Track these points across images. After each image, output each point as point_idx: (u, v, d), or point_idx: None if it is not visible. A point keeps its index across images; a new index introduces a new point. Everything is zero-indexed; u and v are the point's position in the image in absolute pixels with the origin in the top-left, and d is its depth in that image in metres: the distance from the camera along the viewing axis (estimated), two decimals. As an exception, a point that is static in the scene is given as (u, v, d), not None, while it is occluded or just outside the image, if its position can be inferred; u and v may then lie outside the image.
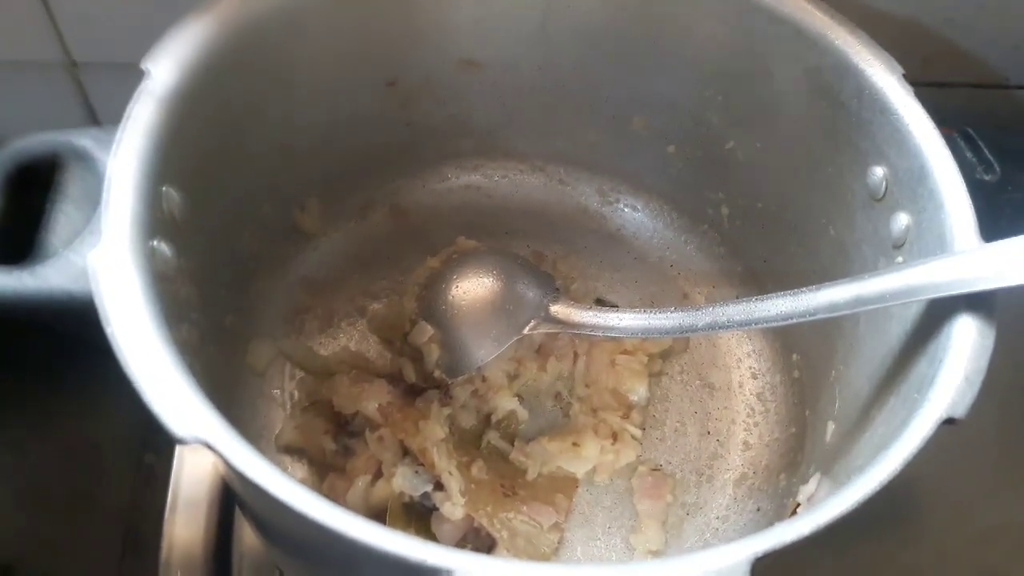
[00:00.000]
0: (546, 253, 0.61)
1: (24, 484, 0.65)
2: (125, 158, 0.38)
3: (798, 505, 0.45)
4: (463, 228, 0.61)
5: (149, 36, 0.59)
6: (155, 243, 0.39)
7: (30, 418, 0.66)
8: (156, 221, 0.39)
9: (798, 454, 0.52)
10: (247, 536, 0.56)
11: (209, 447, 0.31)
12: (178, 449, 0.60)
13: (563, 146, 0.62)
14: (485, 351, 0.52)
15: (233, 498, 0.57)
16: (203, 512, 0.57)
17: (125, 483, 0.65)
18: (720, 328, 0.45)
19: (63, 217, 0.40)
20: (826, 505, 0.32)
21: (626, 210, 0.63)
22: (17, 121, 0.67)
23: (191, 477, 0.58)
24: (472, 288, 0.53)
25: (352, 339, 0.57)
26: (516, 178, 0.64)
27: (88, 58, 0.63)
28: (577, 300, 0.54)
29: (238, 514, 0.57)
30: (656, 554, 0.50)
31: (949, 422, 0.34)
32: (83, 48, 0.62)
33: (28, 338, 0.61)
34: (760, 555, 0.30)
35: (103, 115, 0.68)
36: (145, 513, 0.63)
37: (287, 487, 0.30)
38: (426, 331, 0.53)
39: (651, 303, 0.60)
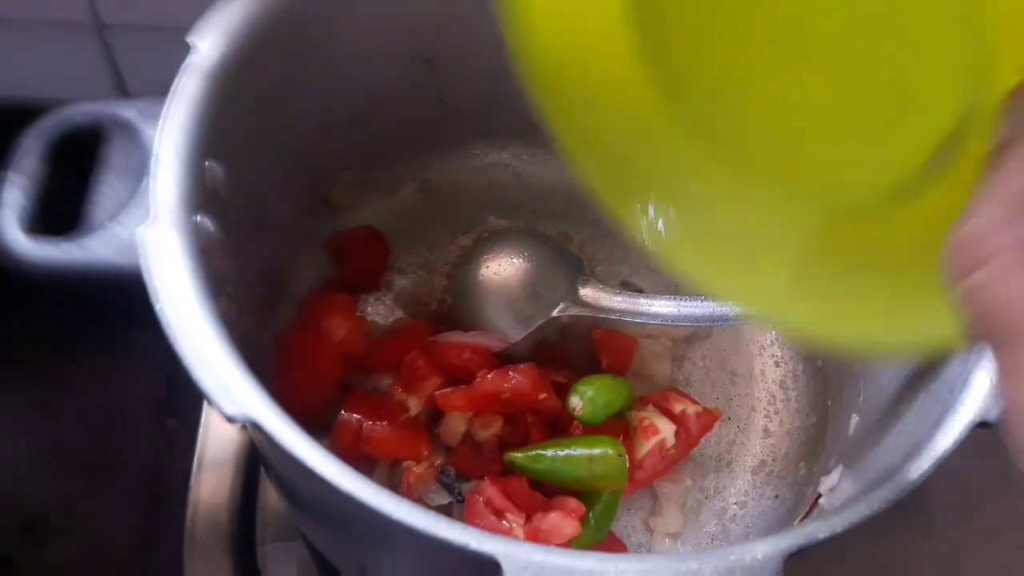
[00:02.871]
0: (573, 234, 0.61)
1: (50, 444, 0.66)
2: (171, 133, 0.38)
3: (819, 496, 0.46)
4: (491, 206, 0.61)
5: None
6: (199, 218, 0.39)
7: (55, 380, 0.68)
8: (200, 196, 0.39)
9: (819, 444, 0.52)
10: (271, 499, 0.57)
11: (259, 427, 0.32)
12: (204, 412, 0.61)
13: (593, 127, 0.62)
14: (513, 332, 0.52)
15: (258, 460, 0.58)
16: (228, 475, 0.58)
17: (148, 445, 0.66)
18: (752, 319, 0.46)
19: (107, 189, 0.40)
20: (857, 503, 0.33)
21: (654, 193, 0.63)
22: (43, 82, 0.67)
23: (217, 440, 0.59)
24: (503, 268, 0.54)
25: (379, 313, 0.58)
26: (545, 157, 0.63)
27: (117, 20, 0.63)
28: (602, 282, 0.54)
29: (263, 476, 0.58)
30: (675, 537, 0.51)
31: (982, 426, 0.35)
32: (112, 9, 0.62)
33: (54, 301, 0.62)
34: (793, 551, 0.31)
35: (130, 79, 0.68)
36: (168, 475, 0.65)
37: (338, 471, 0.31)
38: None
39: (676, 288, 0.60)
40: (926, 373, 0.41)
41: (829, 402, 0.53)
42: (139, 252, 0.35)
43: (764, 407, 0.56)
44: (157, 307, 0.33)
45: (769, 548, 0.31)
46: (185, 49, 0.42)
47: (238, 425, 0.33)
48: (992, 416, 0.35)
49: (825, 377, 0.55)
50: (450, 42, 0.54)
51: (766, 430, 0.55)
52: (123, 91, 0.70)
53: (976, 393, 0.36)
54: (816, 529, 0.32)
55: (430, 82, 0.56)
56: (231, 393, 0.32)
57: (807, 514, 0.47)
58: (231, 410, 0.32)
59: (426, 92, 0.56)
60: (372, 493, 0.30)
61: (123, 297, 0.38)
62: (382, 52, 0.52)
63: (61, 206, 0.41)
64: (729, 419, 0.56)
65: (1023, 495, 0.58)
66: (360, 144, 0.56)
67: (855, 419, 0.48)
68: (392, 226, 0.59)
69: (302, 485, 0.39)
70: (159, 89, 0.67)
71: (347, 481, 0.30)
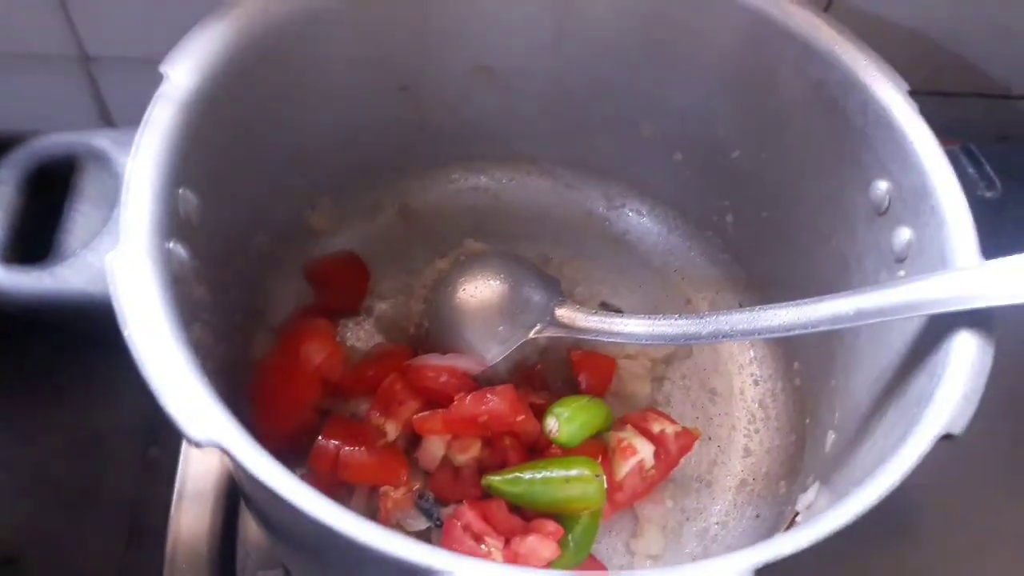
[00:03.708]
0: (551, 256, 0.62)
1: (29, 475, 0.66)
2: (143, 161, 0.39)
3: (797, 514, 0.46)
4: (470, 230, 0.61)
5: (163, 31, 0.59)
6: (171, 245, 0.39)
7: (35, 409, 0.67)
8: (172, 223, 0.40)
9: (798, 462, 0.52)
10: (252, 530, 0.57)
11: (224, 451, 0.32)
12: (185, 443, 0.60)
13: (571, 151, 0.62)
14: (491, 353, 0.53)
15: (239, 492, 0.57)
16: (209, 505, 0.58)
17: (129, 476, 0.66)
18: (724, 337, 0.46)
19: (80, 217, 0.41)
20: (825, 517, 0.33)
21: (632, 215, 0.64)
22: (28, 114, 0.68)
23: (197, 470, 0.59)
24: (479, 290, 0.54)
25: (359, 338, 0.58)
26: (524, 181, 0.64)
27: (101, 52, 0.64)
28: (581, 303, 0.55)
29: (243, 508, 0.58)
30: (656, 558, 0.51)
31: (947, 438, 0.35)
32: (97, 42, 0.62)
33: (34, 331, 0.62)
34: (760, 566, 0.31)
35: (115, 110, 0.69)
36: (149, 506, 0.64)
37: (298, 491, 0.31)
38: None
39: (654, 308, 0.61)
40: (895, 388, 0.41)
41: (807, 420, 0.54)
42: (108, 278, 0.35)
43: (744, 426, 0.56)
44: (125, 332, 0.34)
45: (736, 564, 0.31)
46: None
47: (213, 451, 0.33)
48: (957, 428, 0.35)
49: (803, 395, 0.55)
50: (426, 69, 0.55)
51: (746, 449, 0.55)
52: (109, 123, 0.70)
53: (941, 407, 0.36)
54: (783, 544, 0.32)
55: (407, 109, 0.56)
56: (198, 418, 0.32)
57: (786, 531, 0.46)
58: (197, 434, 0.32)
59: (403, 118, 0.57)
60: (335, 515, 0.30)
61: (96, 325, 0.38)
62: (358, 80, 0.52)
63: (35, 235, 0.41)
64: (709, 439, 0.56)
65: (1010, 512, 0.58)
66: (338, 170, 0.57)
67: (831, 436, 0.48)
68: (372, 251, 0.60)
69: (273, 510, 0.39)
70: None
71: (311, 503, 0.31)
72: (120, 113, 0.69)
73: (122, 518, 0.64)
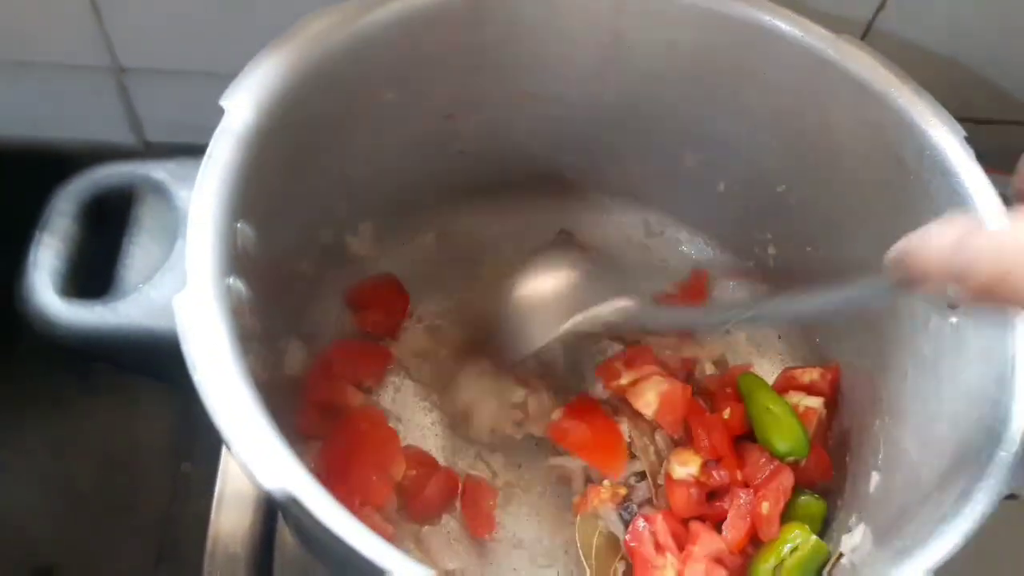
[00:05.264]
0: (589, 281, 0.62)
1: (62, 489, 0.66)
2: (206, 197, 0.39)
3: (841, 555, 0.46)
4: (508, 254, 0.61)
5: (194, 44, 0.59)
6: (231, 280, 0.39)
7: (69, 424, 0.67)
8: (231, 258, 0.40)
9: (838, 498, 0.52)
10: (289, 539, 0.57)
11: (295, 501, 0.32)
12: (223, 458, 0.61)
13: (612, 177, 0.62)
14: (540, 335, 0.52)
15: (275, 507, 0.57)
16: (247, 520, 0.58)
17: (162, 491, 0.66)
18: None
19: (139, 251, 0.41)
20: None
21: (671, 242, 0.64)
22: (59, 123, 0.67)
23: (235, 485, 0.59)
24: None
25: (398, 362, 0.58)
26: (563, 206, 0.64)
27: (135, 64, 0.63)
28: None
29: (280, 523, 0.58)
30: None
31: (1011, 497, 0.35)
32: (131, 54, 0.62)
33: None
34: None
35: (145, 120, 0.69)
36: (182, 520, 0.64)
37: (372, 545, 0.31)
38: None
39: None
40: (949, 442, 0.41)
41: (847, 457, 0.54)
42: (176, 320, 0.35)
43: (783, 457, 0.56)
44: (195, 377, 0.34)
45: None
46: (199, 92, 0.42)
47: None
48: (1019, 487, 0.35)
49: (843, 431, 0.55)
50: (472, 99, 0.54)
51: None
52: (139, 132, 0.70)
53: (1003, 467, 0.36)
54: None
55: (450, 135, 0.56)
56: (269, 466, 0.32)
57: (830, 571, 0.47)
58: (269, 484, 0.32)
59: (446, 144, 0.57)
60: (406, 567, 0.30)
61: (156, 361, 0.38)
62: (406, 109, 0.52)
63: (93, 266, 0.41)
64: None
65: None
66: (381, 195, 0.57)
67: (875, 477, 0.48)
68: (410, 275, 0.60)
69: (328, 546, 0.39)
70: (173, 130, 0.67)
71: (384, 557, 0.31)
72: (150, 123, 0.69)
73: (155, 531, 0.64)
